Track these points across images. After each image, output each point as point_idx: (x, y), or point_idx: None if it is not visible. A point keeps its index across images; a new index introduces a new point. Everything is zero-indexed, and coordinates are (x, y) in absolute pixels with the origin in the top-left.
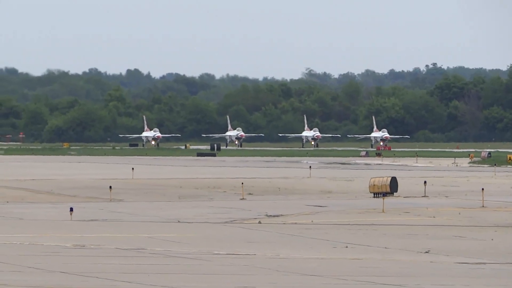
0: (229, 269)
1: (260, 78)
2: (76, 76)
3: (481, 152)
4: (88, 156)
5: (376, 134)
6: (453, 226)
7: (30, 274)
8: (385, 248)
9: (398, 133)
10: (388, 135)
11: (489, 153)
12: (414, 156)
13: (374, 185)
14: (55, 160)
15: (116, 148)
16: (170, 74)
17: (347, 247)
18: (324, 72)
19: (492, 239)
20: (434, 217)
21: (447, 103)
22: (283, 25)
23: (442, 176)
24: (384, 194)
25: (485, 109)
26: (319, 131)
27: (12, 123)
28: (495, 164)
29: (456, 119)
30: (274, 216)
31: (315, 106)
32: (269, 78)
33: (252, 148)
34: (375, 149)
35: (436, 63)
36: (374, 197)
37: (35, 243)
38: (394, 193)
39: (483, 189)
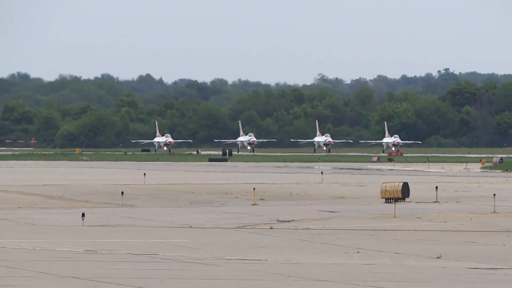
0: (241, 275)
1: (272, 84)
2: (88, 81)
3: (493, 157)
4: (100, 162)
5: (388, 139)
6: (465, 231)
7: (42, 279)
8: (397, 253)
9: (410, 139)
10: (400, 140)
11: (501, 158)
12: (425, 162)
13: (385, 190)
14: (67, 166)
15: (128, 153)
16: (182, 80)
17: (358, 252)
18: (336, 78)
19: (503, 245)
20: (445, 222)
21: (459, 109)
22: (296, 30)
23: (453, 182)
24: (396, 200)
25: (497, 114)
26: (331, 137)
27: (25, 128)
28: (506, 170)
29: (468, 124)
30: (285, 221)
31: (327, 112)
32: (281, 83)
33: (264, 154)
34: (387, 155)
35: (448, 68)
36: (385, 202)
37: (47, 248)
38: (406, 199)
39: (494, 194)
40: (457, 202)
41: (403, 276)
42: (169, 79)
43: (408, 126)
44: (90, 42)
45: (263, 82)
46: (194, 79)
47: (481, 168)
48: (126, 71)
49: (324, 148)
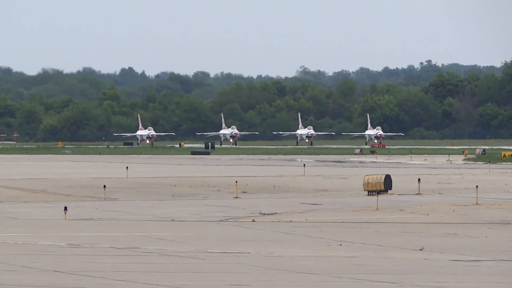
0: (223, 268)
1: (255, 76)
2: (71, 75)
3: (475, 149)
4: (83, 155)
5: (370, 131)
6: (447, 223)
7: (24, 273)
8: (379, 245)
9: (393, 131)
10: (382, 132)
11: (484, 150)
12: (408, 154)
13: (368, 183)
14: (50, 159)
15: (111, 147)
16: (164, 73)
17: (341, 245)
18: (319, 70)
19: (486, 236)
20: (428, 214)
21: (442, 100)
22: (278, 23)
23: (436, 174)
24: (378, 192)
25: (479, 106)
26: (314, 129)
27: (7, 122)
28: (489, 161)
29: (451, 116)
30: (268, 214)
31: (310, 104)
32: (263, 76)
33: (247, 146)
34: (369, 147)
35: (430, 60)
36: (368, 195)
37: (29, 242)
38: (388, 191)
39: (477, 186)
40: (440, 194)
41: (386, 268)
42: (151, 72)
43: (390, 118)
44: (72, 36)
45: (246, 75)
46: (176, 72)
47: (464, 160)
48: (108, 65)
49: (307, 140)
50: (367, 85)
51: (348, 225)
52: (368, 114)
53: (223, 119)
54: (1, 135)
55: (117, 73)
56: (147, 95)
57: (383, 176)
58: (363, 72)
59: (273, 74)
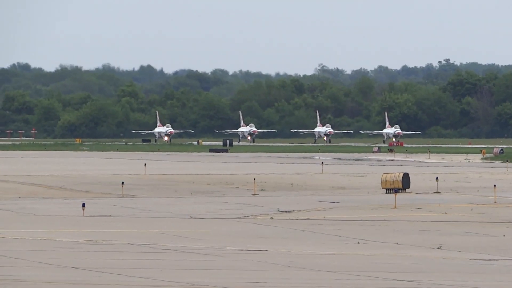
0: (242, 265)
1: (273, 74)
2: (89, 72)
3: (493, 148)
4: (101, 152)
5: (388, 130)
6: (465, 222)
7: (42, 269)
8: (397, 244)
9: (411, 129)
10: (400, 131)
11: (502, 149)
12: (426, 152)
13: (386, 181)
14: (68, 156)
15: (129, 144)
16: (183, 70)
17: (359, 243)
18: (337, 68)
19: (504, 235)
20: (446, 213)
21: (460, 99)
22: (296, 21)
23: (454, 172)
24: (396, 190)
25: (497, 105)
26: (332, 127)
27: (25, 118)
28: (507, 160)
29: (469, 115)
30: (286, 212)
31: (328, 102)
32: (281, 73)
33: (265, 144)
34: (387, 145)
35: (449, 59)
36: (386, 193)
37: (48, 238)
38: (406, 189)
39: (495, 185)
40: (458, 192)
41: (404, 267)
42: (170, 70)
43: (408, 116)
44: (91, 33)
45: (264, 72)
46: (194, 69)
47: (482, 158)
48: (127, 62)
49: (325, 138)
50: (385, 83)
51: (366, 223)
52: (386, 113)
53: (241, 117)
54: (19, 131)
55: (136, 70)
56: (165, 92)
57: (401, 174)
58: (382, 70)
59: (291, 72)
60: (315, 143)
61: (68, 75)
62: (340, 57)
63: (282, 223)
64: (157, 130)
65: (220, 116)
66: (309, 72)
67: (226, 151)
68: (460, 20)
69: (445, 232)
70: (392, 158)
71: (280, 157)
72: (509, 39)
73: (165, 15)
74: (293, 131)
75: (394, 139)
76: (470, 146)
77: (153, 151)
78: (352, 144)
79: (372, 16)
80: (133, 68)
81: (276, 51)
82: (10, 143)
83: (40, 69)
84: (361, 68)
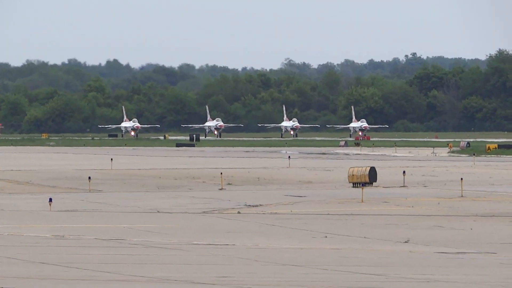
0: (209, 259)
1: (240, 69)
2: (56, 66)
3: (460, 142)
4: (67, 147)
5: (355, 124)
6: (432, 215)
7: (10, 265)
8: (365, 238)
9: (377, 123)
10: (367, 125)
11: (468, 142)
12: (393, 146)
13: (353, 175)
14: (34, 151)
15: (95, 138)
16: (149, 65)
17: (326, 237)
18: (304, 62)
19: (471, 229)
20: (413, 207)
21: (426, 93)
22: (263, 15)
23: (421, 166)
24: (363, 184)
25: (464, 98)
26: (298, 121)
27: None
28: (474, 154)
29: (435, 108)
30: (253, 206)
31: (294, 96)
32: (248, 68)
33: (231, 139)
34: (354, 139)
35: (415, 53)
36: (353, 187)
37: (15, 233)
38: (373, 183)
39: (462, 178)
40: (425, 186)
41: (371, 261)
42: (136, 64)
43: (375, 110)
44: (57, 27)
45: (231, 67)
46: (161, 64)
47: (448, 152)
48: (93, 56)
49: (292, 132)
50: (352, 77)
51: (333, 217)
52: (352, 107)
53: (208, 111)
54: None
55: (102, 65)
56: (131, 87)
57: (368, 168)
58: (348, 64)
59: (258, 66)
60: (281, 137)
61: (35, 70)
62: (307, 51)
63: (249, 218)
64: (123, 125)
65: (186, 111)
66: (275, 67)
67: (193, 145)
68: (426, 14)
69: (413, 226)
70: (359, 152)
71: (247, 151)
72: (476, 33)
73: (131, 10)
74: (259, 125)
75: (360, 133)
76: (436, 139)
77: (119, 146)
78: (319, 138)
79: (338, 10)
80: (100, 63)
81: (243, 45)
82: None
83: (6, 64)
84: (327, 62)
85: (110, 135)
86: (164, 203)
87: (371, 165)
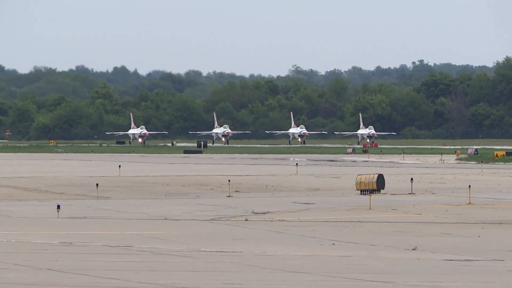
0: (216, 267)
1: (247, 75)
2: (63, 73)
3: (467, 149)
4: (75, 154)
5: (362, 131)
6: (440, 223)
7: (17, 272)
8: (372, 245)
9: (385, 130)
10: (374, 132)
11: (476, 150)
12: (400, 153)
13: (361, 182)
14: (42, 158)
15: (103, 145)
16: (156, 72)
17: (334, 244)
18: (311, 69)
19: (479, 236)
20: (421, 214)
21: (434, 100)
22: (270, 22)
23: (429, 173)
24: (371, 192)
25: (471, 105)
26: (306, 128)
27: None
28: (481, 161)
29: (443, 116)
30: (261, 213)
31: (302, 103)
32: (255, 75)
33: (239, 145)
34: (361, 146)
35: (422, 60)
36: (361, 194)
37: (22, 240)
38: (381, 190)
39: (470, 186)
40: (433, 193)
41: (379, 268)
42: (144, 71)
43: (382, 117)
44: (65, 34)
45: (238, 74)
46: (168, 70)
47: (456, 159)
48: (101, 63)
49: (299, 139)
50: (359, 84)
51: (341, 225)
52: (360, 114)
53: (215, 118)
54: None
55: (110, 71)
56: (139, 93)
57: (376, 176)
58: (356, 71)
59: (266, 73)
60: (289, 144)
61: (42, 76)
62: (314, 58)
63: (257, 225)
64: (131, 131)
65: (194, 118)
66: (283, 73)
67: (201, 152)
68: (434, 20)
69: (420, 233)
70: (367, 159)
71: (254, 158)
72: (483, 40)
73: (139, 17)
74: (267, 132)
75: (368, 140)
76: (444, 147)
77: (127, 153)
78: (327, 145)
79: (345, 17)
80: (107, 70)
81: (250, 52)
82: None
83: (14, 71)
84: (335, 69)
85: (117, 142)
86: (172, 210)
87: (379, 172)
